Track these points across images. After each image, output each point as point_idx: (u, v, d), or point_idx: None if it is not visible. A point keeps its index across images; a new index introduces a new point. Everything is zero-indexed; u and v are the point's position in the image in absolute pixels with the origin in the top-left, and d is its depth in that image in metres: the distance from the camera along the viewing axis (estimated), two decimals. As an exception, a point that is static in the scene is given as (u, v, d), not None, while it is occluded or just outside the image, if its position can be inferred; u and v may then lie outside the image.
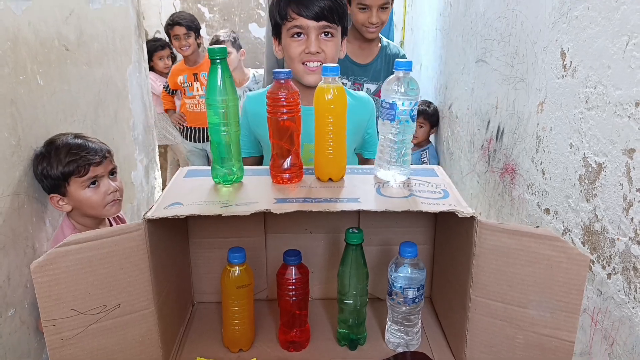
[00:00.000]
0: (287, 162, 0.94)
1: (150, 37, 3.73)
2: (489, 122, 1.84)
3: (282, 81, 0.89)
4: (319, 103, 0.91)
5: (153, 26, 3.77)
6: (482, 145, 1.92)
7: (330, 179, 0.95)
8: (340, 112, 0.92)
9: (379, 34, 1.86)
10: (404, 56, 1.89)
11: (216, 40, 2.87)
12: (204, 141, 3.10)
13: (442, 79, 2.57)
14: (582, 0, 1.16)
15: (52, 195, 1.24)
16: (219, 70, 0.88)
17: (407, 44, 3.66)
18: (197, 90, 2.99)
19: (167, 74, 3.11)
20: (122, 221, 1.52)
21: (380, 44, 1.89)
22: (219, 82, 0.88)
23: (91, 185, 1.25)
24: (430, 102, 2.69)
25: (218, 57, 0.87)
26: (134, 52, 2.08)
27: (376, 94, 1.88)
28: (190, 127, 3.09)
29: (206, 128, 3.01)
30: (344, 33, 1.23)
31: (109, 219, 1.43)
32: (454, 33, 2.35)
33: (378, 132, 0.99)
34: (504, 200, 1.68)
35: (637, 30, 0.96)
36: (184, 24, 2.89)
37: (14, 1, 1.19)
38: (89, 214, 1.30)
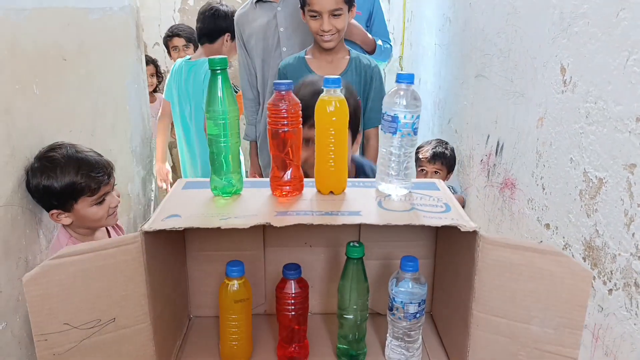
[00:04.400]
0: (287, 175, 0.92)
1: (149, 48, 3.73)
2: (488, 136, 1.84)
3: (283, 92, 0.89)
4: (320, 115, 0.90)
5: (152, 38, 3.76)
6: (482, 160, 1.91)
7: (332, 192, 0.94)
8: (342, 124, 0.91)
9: (347, 46, 1.84)
10: (376, 67, 1.81)
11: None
12: None
13: (441, 93, 2.58)
14: (582, 16, 1.16)
15: (52, 211, 1.23)
16: (220, 81, 0.87)
17: (406, 58, 3.68)
18: None
19: (152, 92, 3.09)
20: (120, 229, 1.51)
21: (349, 56, 1.81)
22: (219, 93, 0.87)
23: (98, 203, 1.26)
24: (446, 143, 2.25)
25: (219, 68, 0.86)
26: (132, 63, 2.08)
27: None
28: None
29: None
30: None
31: (106, 228, 1.42)
32: (453, 48, 2.36)
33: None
34: (503, 215, 1.67)
35: (637, 46, 0.96)
36: (183, 35, 2.91)
37: (12, 10, 1.18)
38: (89, 226, 1.31)
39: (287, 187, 0.92)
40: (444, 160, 2.14)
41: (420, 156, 2.16)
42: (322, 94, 0.90)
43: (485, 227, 1.83)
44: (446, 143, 2.24)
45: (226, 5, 2.28)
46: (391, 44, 2.17)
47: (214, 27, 2.19)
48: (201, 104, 2.13)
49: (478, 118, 1.95)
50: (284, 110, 0.88)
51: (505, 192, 1.64)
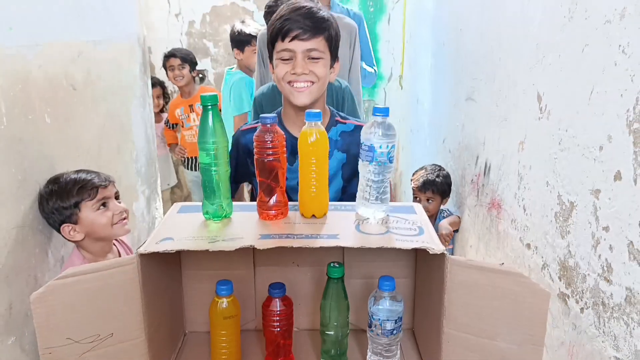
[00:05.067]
0: (272, 200, 1.00)
1: (156, 69, 3.86)
2: (477, 157, 1.91)
3: (269, 125, 0.97)
4: (302, 146, 0.98)
5: (160, 60, 3.88)
6: (472, 180, 1.98)
7: (314, 216, 1.02)
8: (322, 153, 0.98)
9: None
10: (347, 88, 1.80)
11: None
12: None
13: (437, 113, 2.66)
14: (555, 49, 1.24)
15: (63, 225, 1.31)
16: (210, 115, 0.96)
17: (405, 78, 3.77)
18: (194, 120, 3.11)
19: (158, 112, 3.21)
20: (129, 248, 1.59)
21: None
22: (210, 125, 0.96)
23: (101, 208, 1.34)
24: (440, 168, 2.21)
25: (209, 104, 0.95)
26: (138, 87, 2.19)
27: None
28: (190, 158, 3.19)
29: None
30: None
31: (117, 247, 1.50)
32: (446, 70, 2.44)
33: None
34: (491, 234, 1.73)
35: (599, 80, 1.03)
36: (178, 55, 3.05)
37: (25, 46, 1.28)
38: (100, 236, 1.37)
39: (273, 212, 1.00)
40: (434, 188, 2.14)
41: (412, 185, 2.18)
42: (304, 127, 0.98)
43: (476, 245, 1.89)
44: (440, 169, 2.21)
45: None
46: (375, 68, 2.22)
47: (238, 38, 2.71)
48: (230, 102, 2.62)
49: (468, 139, 2.02)
50: (269, 142, 0.96)
51: (493, 212, 1.71)
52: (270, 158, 0.97)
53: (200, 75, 3.28)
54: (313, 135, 0.96)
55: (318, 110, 0.97)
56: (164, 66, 3.12)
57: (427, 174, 2.18)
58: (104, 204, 1.36)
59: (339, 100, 1.79)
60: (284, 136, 0.98)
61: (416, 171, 2.27)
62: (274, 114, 0.98)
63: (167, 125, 3.26)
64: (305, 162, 0.99)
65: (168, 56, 3.07)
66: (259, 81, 2.24)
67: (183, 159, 3.23)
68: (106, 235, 1.39)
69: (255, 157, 0.98)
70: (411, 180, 2.24)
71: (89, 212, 1.33)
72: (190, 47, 3.79)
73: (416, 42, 3.31)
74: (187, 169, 3.25)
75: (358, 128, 1.33)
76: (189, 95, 3.11)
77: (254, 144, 0.97)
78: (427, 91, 2.89)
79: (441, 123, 2.55)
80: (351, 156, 1.30)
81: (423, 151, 2.91)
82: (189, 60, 3.07)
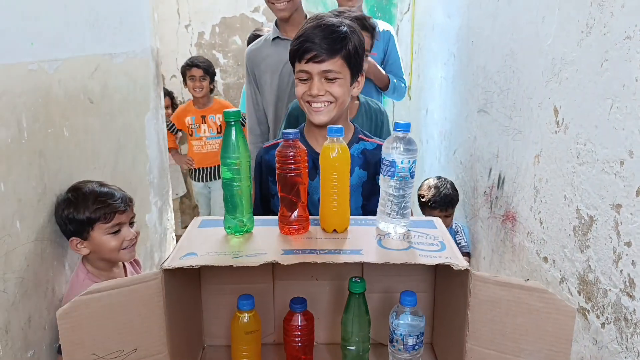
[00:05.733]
0: (294, 214, 1.00)
1: (166, 80, 3.89)
2: (490, 169, 1.91)
3: (291, 140, 0.98)
4: (324, 161, 0.98)
5: (170, 71, 3.92)
6: (485, 192, 1.98)
7: (335, 230, 1.02)
8: (344, 169, 0.99)
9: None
10: (385, 112, 1.75)
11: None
12: (210, 180, 3.20)
13: (447, 125, 2.66)
14: (571, 63, 1.24)
15: (72, 238, 1.32)
16: (233, 131, 0.96)
17: (413, 89, 3.78)
18: (204, 132, 3.11)
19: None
20: (137, 264, 1.58)
21: (358, 101, 1.70)
22: (233, 140, 0.97)
23: (114, 233, 1.33)
24: (445, 181, 2.22)
25: (233, 120, 0.96)
26: (152, 100, 2.20)
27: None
28: (198, 169, 3.18)
29: (212, 167, 3.15)
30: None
31: (123, 263, 1.50)
32: (457, 82, 2.45)
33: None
34: (505, 247, 1.72)
35: (619, 95, 1.03)
36: (201, 66, 3.03)
37: (47, 62, 1.30)
38: (105, 257, 1.37)
39: (294, 226, 1.00)
40: (454, 204, 2.16)
41: (431, 205, 2.12)
42: (325, 142, 0.98)
43: (489, 257, 1.88)
44: (445, 181, 2.20)
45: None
46: (406, 83, 2.22)
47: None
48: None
49: (481, 151, 2.02)
50: (291, 157, 0.97)
51: (507, 224, 1.70)
52: (292, 173, 0.98)
53: (211, 87, 3.29)
54: (335, 151, 0.97)
55: (340, 126, 0.98)
56: (183, 74, 3.11)
57: (440, 191, 2.13)
58: (117, 230, 1.34)
59: (377, 123, 1.72)
60: (306, 151, 0.99)
61: (422, 189, 2.21)
62: (297, 130, 0.98)
63: (170, 130, 3.13)
64: (326, 177, 0.99)
65: (190, 65, 3.05)
66: (250, 100, 2.11)
67: (191, 170, 3.23)
68: (110, 259, 1.38)
69: (277, 172, 0.99)
70: (422, 199, 2.18)
71: (100, 233, 1.32)
72: (199, 58, 3.82)
73: (425, 54, 3.32)
74: (195, 180, 3.24)
75: (380, 147, 1.23)
76: (203, 106, 3.10)
77: (276, 158, 0.98)
78: (437, 102, 2.89)
79: (452, 134, 2.56)
80: (372, 174, 1.29)
81: (434, 162, 2.91)
82: (210, 72, 3.07)
